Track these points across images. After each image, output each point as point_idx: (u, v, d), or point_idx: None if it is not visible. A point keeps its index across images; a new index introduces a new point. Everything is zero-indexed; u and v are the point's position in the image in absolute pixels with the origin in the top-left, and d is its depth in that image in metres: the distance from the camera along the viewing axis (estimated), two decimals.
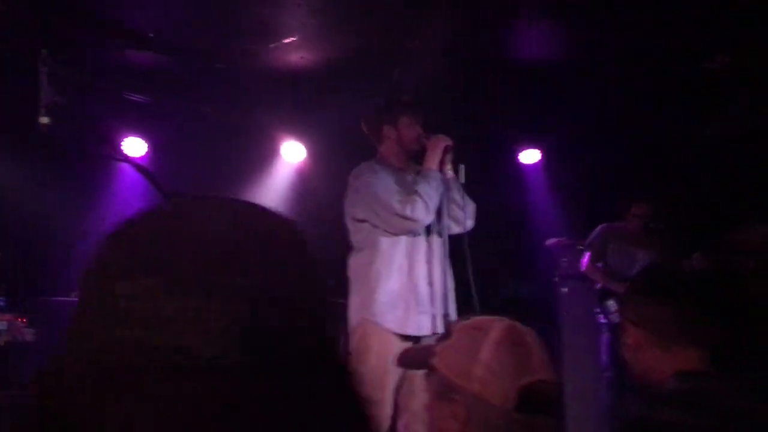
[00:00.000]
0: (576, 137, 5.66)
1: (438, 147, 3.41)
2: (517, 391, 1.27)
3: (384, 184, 3.36)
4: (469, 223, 3.47)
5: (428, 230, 3.45)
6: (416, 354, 1.51)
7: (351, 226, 3.49)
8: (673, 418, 1.64)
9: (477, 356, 1.32)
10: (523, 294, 5.84)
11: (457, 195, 3.46)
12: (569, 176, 5.84)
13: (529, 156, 6.09)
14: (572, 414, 5.24)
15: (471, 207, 3.51)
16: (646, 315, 1.79)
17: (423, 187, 3.31)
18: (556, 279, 5.64)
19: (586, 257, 5.15)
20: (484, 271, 5.50)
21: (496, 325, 1.36)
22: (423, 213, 3.29)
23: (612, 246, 5.11)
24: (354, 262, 3.49)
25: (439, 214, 3.38)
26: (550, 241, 5.68)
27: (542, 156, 6.04)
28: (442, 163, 3.40)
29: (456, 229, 3.46)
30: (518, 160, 6.15)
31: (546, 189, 6.04)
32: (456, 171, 3.46)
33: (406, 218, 3.28)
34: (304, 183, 5.86)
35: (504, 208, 5.83)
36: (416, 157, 3.51)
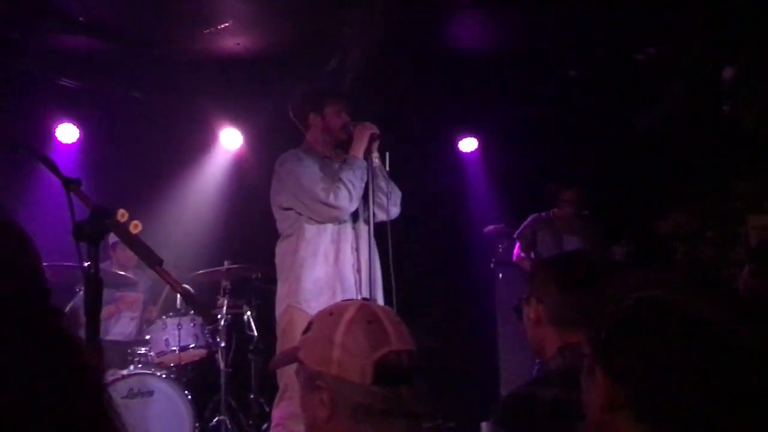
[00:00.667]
0: (512, 126, 5.73)
1: (364, 135, 3.40)
2: (372, 365, 1.31)
3: (308, 172, 3.36)
4: (394, 211, 3.48)
5: (355, 218, 3.48)
6: (287, 352, 1.53)
7: (277, 213, 3.50)
8: (550, 394, 1.71)
9: (333, 340, 1.36)
10: (460, 279, 5.93)
11: (383, 183, 3.46)
12: (506, 164, 5.90)
13: (468, 144, 6.16)
14: None
15: (396, 195, 3.55)
16: (550, 295, 1.87)
17: (347, 175, 3.33)
18: (493, 265, 5.72)
19: (516, 247, 5.29)
20: (422, 256, 5.61)
21: (350, 307, 1.40)
22: (346, 200, 3.30)
23: (541, 234, 5.24)
24: (281, 250, 3.49)
25: (365, 201, 3.39)
26: (488, 229, 5.75)
27: (479, 144, 6.11)
28: (368, 151, 3.40)
29: (381, 217, 3.46)
30: (458, 148, 6.21)
31: (483, 176, 6.11)
32: (382, 159, 3.47)
33: (329, 205, 3.29)
34: (242, 170, 5.84)
35: (444, 195, 5.91)
36: (344, 146, 3.50)
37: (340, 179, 3.33)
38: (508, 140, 5.87)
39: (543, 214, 5.32)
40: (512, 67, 5.13)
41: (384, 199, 3.47)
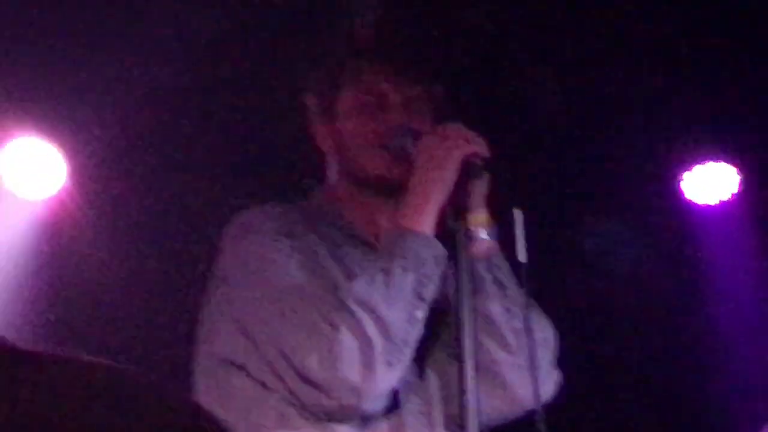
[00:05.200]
0: None
1: (444, 162, 1.69)
2: None
3: (298, 278, 1.74)
4: (534, 396, 1.67)
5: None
6: None
7: (204, 377, 1.77)
8: None
9: None
10: None
11: (499, 304, 1.71)
12: None
13: (699, 183, 3.78)
14: None
15: (548, 339, 1.76)
16: None
17: (365, 289, 1.64)
18: None
19: None
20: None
21: None
22: (352, 368, 1.66)
23: None
24: None
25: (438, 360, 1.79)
26: None
27: (742, 183, 3.62)
28: (459, 207, 1.67)
29: (498, 405, 1.73)
30: (680, 192, 3.87)
31: (744, 253, 3.63)
32: (505, 230, 1.67)
33: (312, 383, 1.66)
34: (65, 250, 3.15)
35: (652, 297, 3.60)
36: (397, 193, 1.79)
37: (341, 304, 1.63)
38: None
39: None
40: None
41: (503, 354, 1.70)
